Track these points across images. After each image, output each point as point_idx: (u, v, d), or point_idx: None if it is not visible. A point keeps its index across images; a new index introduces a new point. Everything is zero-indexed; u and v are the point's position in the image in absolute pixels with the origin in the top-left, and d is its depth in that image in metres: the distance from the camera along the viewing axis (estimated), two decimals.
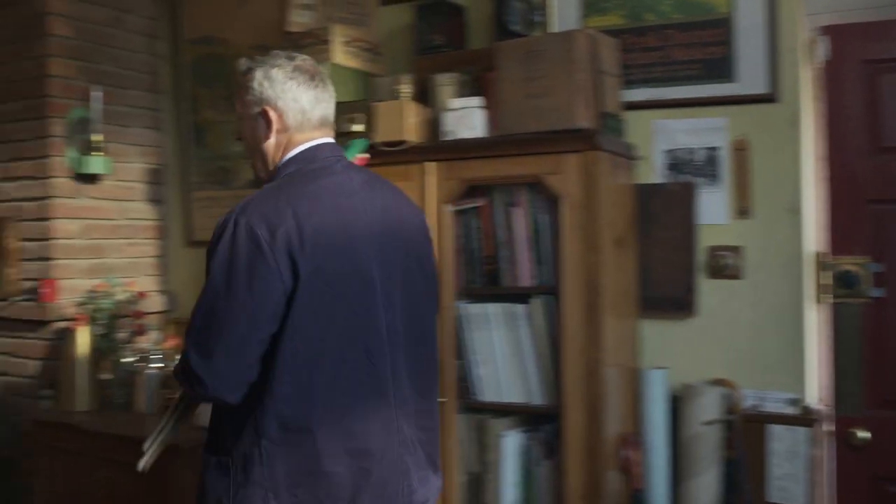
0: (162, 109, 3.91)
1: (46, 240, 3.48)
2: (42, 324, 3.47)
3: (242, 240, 1.74)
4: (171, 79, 3.90)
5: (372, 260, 1.85)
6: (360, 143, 2.65)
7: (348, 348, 1.79)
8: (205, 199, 3.79)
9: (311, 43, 2.96)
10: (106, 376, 3.39)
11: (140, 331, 3.46)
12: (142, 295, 3.53)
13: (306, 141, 1.95)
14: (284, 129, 1.93)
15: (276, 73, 1.93)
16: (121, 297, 3.45)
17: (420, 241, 2.03)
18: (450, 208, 2.68)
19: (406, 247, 1.96)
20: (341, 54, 2.95)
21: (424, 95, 2.87)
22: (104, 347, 3.37)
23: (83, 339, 3.29)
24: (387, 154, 2.73)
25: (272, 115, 1.92)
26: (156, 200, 3.86)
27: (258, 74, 1.94)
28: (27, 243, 3.54)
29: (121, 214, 3.72)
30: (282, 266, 1.72)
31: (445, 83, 2.84)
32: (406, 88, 2.79)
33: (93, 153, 3.49)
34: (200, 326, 1.77)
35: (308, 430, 1.75)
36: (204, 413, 2.04)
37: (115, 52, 3.72)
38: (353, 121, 2.82)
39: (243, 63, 2.00)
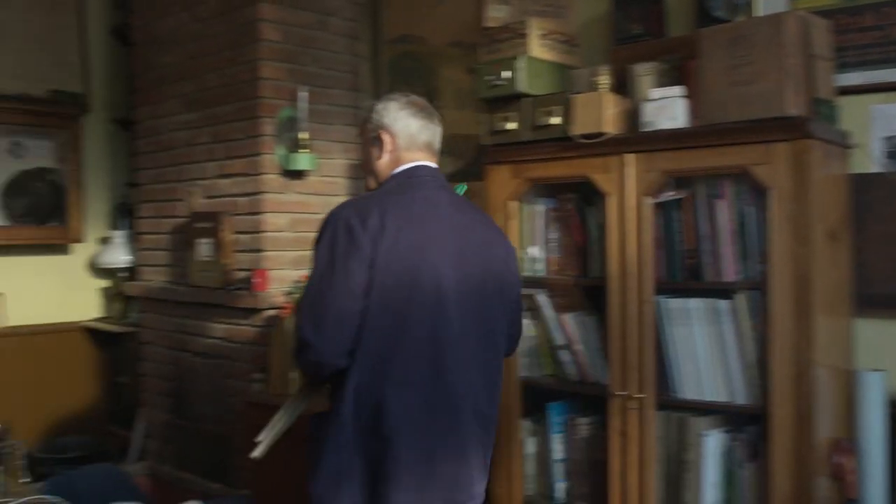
0: (362, 107, 4.05)
1: (258, 232, 3.70)
2: (254, 311, 3.70)
3: (340, 230, 2.08)
4: (371, 77, 4.03)
5: (445, 266, 2.15)
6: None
7: (416, 335, 2.09)
8: None
9: (507, 37, 2.97)
10: None
11: None
12: None
13: (411, 161, 2.29)
14: (395, 149, 2.29)
15: (392, 105, 2.32)
16: None
17: (502, 265, 2.31)
18: (650, 201, 2.62)
19: (484, 265, 2.24)
20: (538, 47, 2.95)
21: (623, 86, 2.82)
22: None
23: (290, 327, 3.47)
24: (585, 147, 2.71)
25: (386, 137, 2.28)
26: (356, 195, 4.01)
27: (378, 107, 2.33)
28: (241, 236, 3.78)
29: (324, 208, 3.85)
30: (368, 251, 2.05)
31: (645, 73, 2.78)
32: (604, 79, 2.75)
33: (300, 150, 3.68)
34: (311, 303, 2.08)
35: (378, 396, 2.07)
36: (320, 404, 2.25)
37: (320, 54, 3.89)
38: (549, 114, 2.82)
39: (367, 102, 2.38)
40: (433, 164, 2.34)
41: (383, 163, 2.30)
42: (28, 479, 3.14)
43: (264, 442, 2.33)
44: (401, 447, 2.07)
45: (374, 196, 2.22)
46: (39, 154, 4.60)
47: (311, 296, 2.09)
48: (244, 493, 2.47)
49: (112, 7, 4.87)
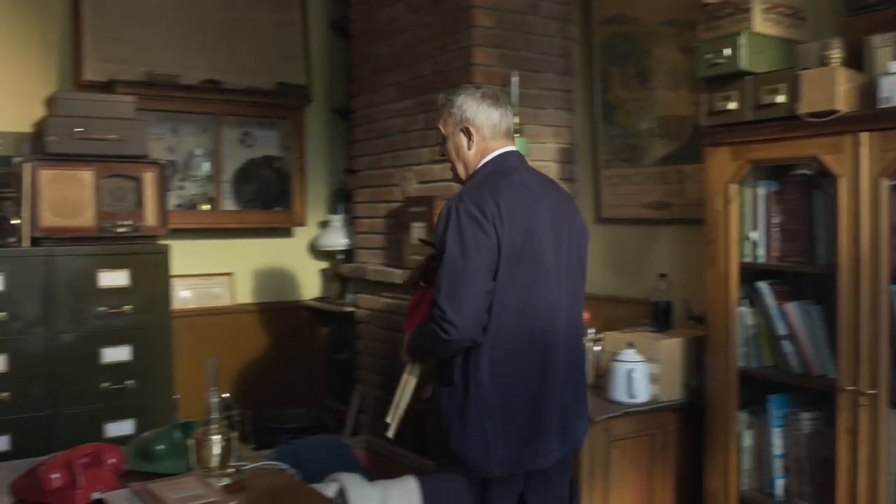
0: (573, 90, 4.03)
1: None
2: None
3: (465, 220, 2.35)
4: (582, 60, 4.00)
5: (548, 241, 2.46)
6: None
7: (534, 302, 2.42)
8: (613, 176, 3.85)
9: (728, 13, 2.85)
10: None
11: None
12: None
13: (497, 148, 2.57)
14: (481, 139, 2.55)
15: (470, 99, 2.56)
16: None
17: (580, 237, 2.61)
18: (887, 183, 2.44)
19: (569, 238, 2.54)
20: (761, 22, 2.81)
21: (856, 60, 2.64)
22: None
23: None
24: (813, 126, 2.56)
25: (472, 129, 2.54)
26: (568, 179, 3.99)
27: (457, 102, 2.57)
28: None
29: None
30: (491, 235, 2.34)
31: (882, 44, 2.59)
32: (836, 53, 2.59)
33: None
34: (449, 288, 2.34)
35: (511, 364, 2.40)
36: (428, 386, 2.57)
37: (531, 38, 3.90)
38: (774, 92, 2.68)
39: (441, 97, 2.62)
40: (515, 148, 2.61)
41: (472, 153, 2.57)
42: (252, 446, 3.35)
43: (393, 422, 2.61)
44: (534, 406, 2.43)
45: (480, 186, 2.45)
46: (266, 143, 4.89)
47: (450, 282, 2.35)
48: (454, 472, 2.53)
49: (332, 2, 5.09)
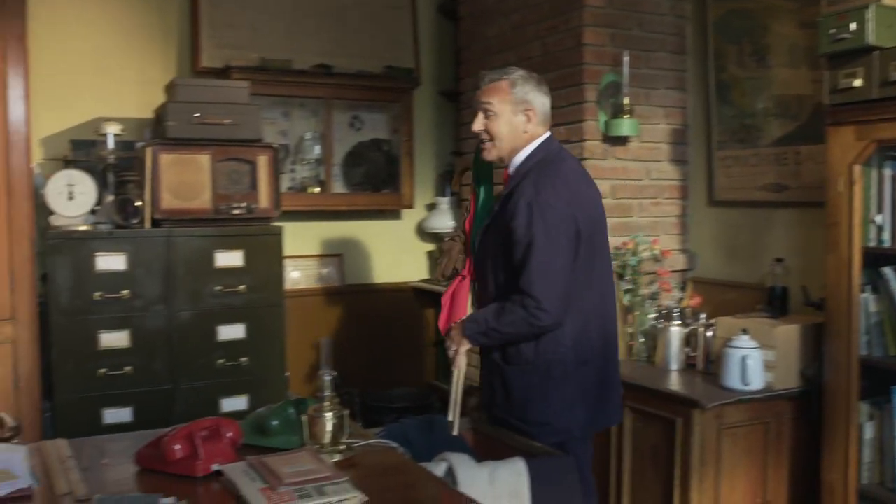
0: (686, 69, 3.93)
1: None
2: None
3: (549, 211, 2.46)
4: (696, 38, 3.89)
5: (602, 222, 2.69)
6: None
7: (599, 288, 2.62)
8: (727, 158, 3.74)
9: None
10: (630, 330, 3.54)
11: (664, 288, 3.54)
12: (665, 253, 3.60)
13: (542, 134, 2.66)
14: (535, 124, 2.64)
15: (530, 81, 2.64)
16: (645, 254, 3.56)
17: (605, 220, 2.73)
18: None
19: (604, 222, 2.71)
20: None
21: None
22: (630, 302, 3.52)
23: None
24: None
25: (531, 113, 2.62)
26: (679, 160, 3.91)
27: (518, 82, 2.62)
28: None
29: (646, 174, 3.83)
30: (571, 223, 2.48)
31: None
32: None
33: (622, 116, 3.64)
34: (541, 278, 2.44)
35: (587, 337, 2.58)
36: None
37: (643, 17, 3.82)
38: None
39: (495, 73, 2.66)
40: (551, 134, 2.71)
41: (526, 136, 2.64)
42: (359, 425, 3.41)
43: (455, 420, 2.65)
44: (602, 373, 2.64)
45: (545, 174, 2.55)
46: (375, 126, 4.94)
47: (542, 272, 2.45)
48: (562, 453, 2.52)
49: None
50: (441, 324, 2.82)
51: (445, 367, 4.97)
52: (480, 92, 2.68)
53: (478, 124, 2.67)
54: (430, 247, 5.15)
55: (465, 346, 2.69)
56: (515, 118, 2.62)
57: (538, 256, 2.45)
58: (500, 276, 2.63)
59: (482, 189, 2.87)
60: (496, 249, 2.64)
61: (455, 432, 2.65)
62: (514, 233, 2.50)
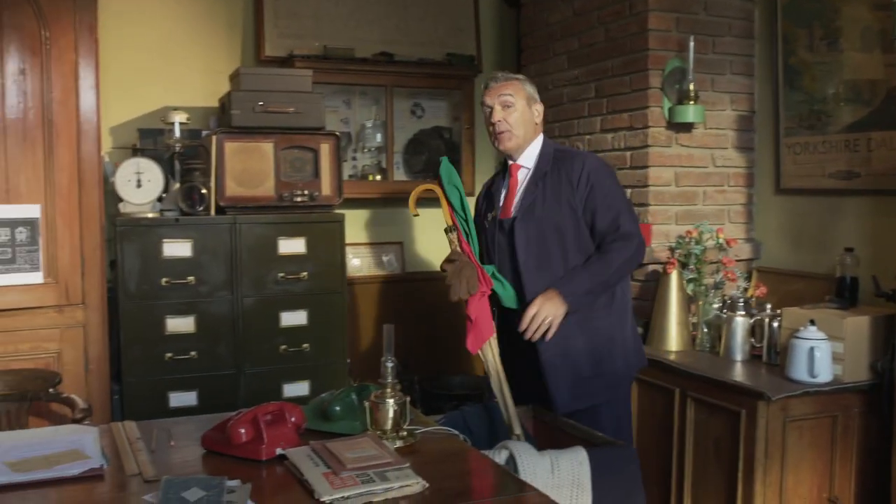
0: (753, 54, 3.84)
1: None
2: (638, 266, 3.69)
3: (607, 168, 2.91)
4: (763, 22, 3.81)
5: None
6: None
7: None
8: (795, 145, 3.65)
9: None
10: (693, 320, 3.49)
11: (728, 278, 3.48)
12: (730, 242, 3.54)
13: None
14: (541, 120, 2.96)
15: (534, 86, 2.98)
16: (709, 243, 3.51)
17: None
18: None
19: None
20: None
21: None
22: (693, 292, 3.47)
23: (674, 283, 3.42)
24: None
25: (539, 108, 2.95)
26: (745, 148, 3.83)
27: (528, 81, 2.95)
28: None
29: (711, 162, 3.77)
30: None
31: None
32: None
33: (687, 102, 3.58)
34: (633, 218, 2.85)
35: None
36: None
37: (709, 0, 3.74)
38: None
39: (505, 73, 2.97)
40: None
41: (536, 128, 2.95)
42: (419, 411, 3.42)
43: (515, 428, 2.61)
44: None
45: (575, 151, 3.05)
46: (436, 114, 4.94)
47: (631, 214, 2.86)
48: (622, 443, 2.50)
49: None
50: (471, 346, 2.76)
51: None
52: (496, 87, 2.90)
53: (498, 115, 2.87)
54: None
55: (562, 313, 2.72)
56: (529, 112, 2.90)
57: (623, 201, 2.86)
58: (571, 250, 2.82)
59: (459, 198, 2.83)
60: (555, 230, 2.80)
61: (516, 432, 2.63)
62: (593, 195, 2.81)
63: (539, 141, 2.94)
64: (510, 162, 2.95)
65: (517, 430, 2.61)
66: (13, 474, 1.90)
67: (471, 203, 2.90)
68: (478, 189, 4.94)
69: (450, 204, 2.81)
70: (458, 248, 2.79)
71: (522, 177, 2.93)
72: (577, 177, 2.82)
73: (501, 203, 2.94)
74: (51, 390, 3.13)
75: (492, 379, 2.71)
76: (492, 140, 2.95)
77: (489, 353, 2.72)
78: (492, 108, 2.89)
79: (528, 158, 2.93)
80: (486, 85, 2.94)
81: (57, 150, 3.30)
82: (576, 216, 2.81)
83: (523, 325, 2.71)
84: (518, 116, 2.87)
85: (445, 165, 2.85)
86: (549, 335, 2.72)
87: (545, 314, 2.69)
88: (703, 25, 3.70)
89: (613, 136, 3.88)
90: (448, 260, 2.80)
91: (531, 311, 2.70)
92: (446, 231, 2.80)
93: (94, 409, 3.19)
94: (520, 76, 2.96)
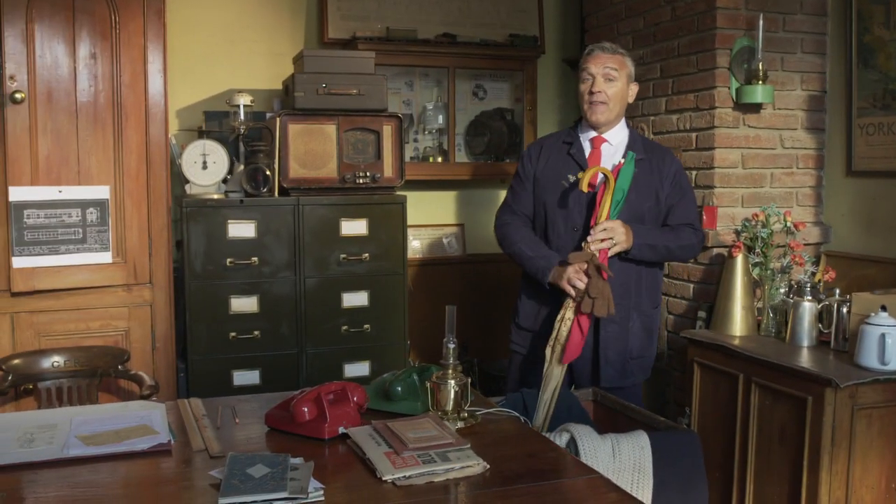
0: (825, 32, 3.74)
1: (708, 168, 3.62)
2: (702, 249, 3.64)
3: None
4: None
5: None
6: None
7: None
8: (868, 125, 3.55)
9: None
10: (759, 304, 3.43)
11: (796, 262, 3.40)
12: (798, 225, 3.46)
13: None
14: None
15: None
16: (777, 226, 3.43)
17: None
18: None
19: None
20: None
21: None
22: (759, 276, 3.40)
23: (739, 267, 3.36)
24: None
25: (634, 88, 3.03)
26: (815, 129, 3.74)
27: (630, 60, 2.98)
28: (690, 172, 3.72)
29: (779, 143, 3.69)
30: None
31: None
32: None
33: (755, 82, 3.50)
34: (700, 221, 3.22)
35: None
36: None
37: None
38: None
39: (615, 45, 2.96)
40: None
41: (625, 108, 3.01)
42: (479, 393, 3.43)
43: (545, 419, 2.63)
44: None
45: (656, 144, 3.19)
46: (498, 95, 4.91)
47: (697, 211, 3.15)
48: (685, 426, 2.47)
49: None
50: (567, 359, 2.83)
51: None
52: (602, 57, 2.94)
53: (599, 85, 2.92)
54: None
55: (626, 246, 2.88)
56: (627, 89, 2.97)
57: (696, 205, 3.11)
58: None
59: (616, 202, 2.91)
60: (638, 214, 2.98)
61: (537, 425, 2.63)
62: (677, 192, 3.05)
63: (623, 121, 3.04)
64: (593, 133, 3.01)
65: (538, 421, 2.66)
66: (86, 447, 1.96)
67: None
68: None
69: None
70: (595, 263, 2.79)
71: (608, 152, 2.97)
72: (668, 171, 3.03)
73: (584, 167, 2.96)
74: (120, 367, 3.21)
75: (548, 387, 2.70)
76: (583, 107, 2.97)
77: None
78: (594, 78, 2.93)
79: (613, 135, 3.02)
80: (591, 51, 2.97)
81: (126, 132, 3.36)
82: (659, 206, 3.03)
83: (596, 231, 2.83)
84: (617, 91, 2.94)
85: (629, 164, 2.86)
86: (605, 250, 2.85)
87: (614, 234, 2.84)
88: (773, 2, 3.61)
89: (679, 117, 3.82)
90: (585, 273, 2.82)
91: (608, 223, 2.84)
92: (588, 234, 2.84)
93: (160, 386, 3.27)
94: (625, 52, 3.00)
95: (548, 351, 2.83)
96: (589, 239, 2.83)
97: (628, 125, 3.09)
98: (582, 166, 2.96)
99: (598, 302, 2.76)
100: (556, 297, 2.94)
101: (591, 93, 2.93)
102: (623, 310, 2.97)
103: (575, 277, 2.82)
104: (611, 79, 2.94)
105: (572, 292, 2.84)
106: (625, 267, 2.98)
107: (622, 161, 2.89)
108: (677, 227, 3.07)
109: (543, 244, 3.05)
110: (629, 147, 2.99)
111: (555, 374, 2.77)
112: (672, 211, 3.06)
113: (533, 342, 3.12)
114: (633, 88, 3.02)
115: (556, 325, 2.84)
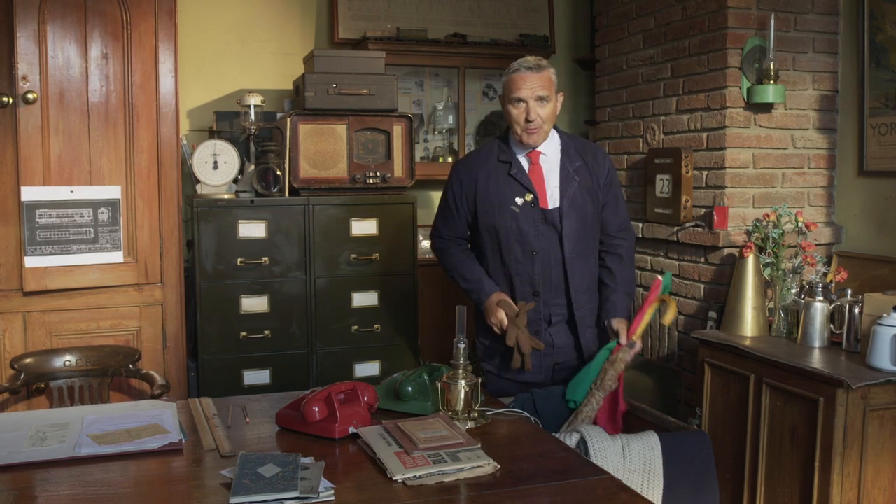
0: (838, 31, 3.72)
1: (720, 168, 3.60)
2: (711, 249, 3.63)
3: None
4: None
5: None
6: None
7: None
8: (881, 125, 3.53)
9: None
10: (770, 305, 3.41)
11: (807, 262, 3.39)
12: (809, 226, 3.45)
13: None
14: None
15: None
16: (788, 227, 3.42)
17: None
18: None
19: None
20: None
21: None
22: (770, 276, 3.39)
23: (750, 267, 3.35)
24: None
25: (561, 97, 2.89)
26: (827, 128, 3.72)
27: (553, 72, 2.83)
28: (700, 172, 3.71)
29: (790, 143, 3.67)
30: None
31: None
32: None
33: (767, 82, 3.49)
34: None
35: None
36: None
37: None
38: None
39: (536, 59, 2.81)
40: None
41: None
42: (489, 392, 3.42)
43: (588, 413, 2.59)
44: None
45: (583, 140, 3.05)
46: None
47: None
48: (696, 427, 2.47)
49: None
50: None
51: None
52: (531, 78, 2.77)
53: (534, 111, 2.78)
54: None
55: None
56: (557, 101, 2.85)
57: (623, 199, 3.03)
58: (596, 239, 2.97)
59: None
60: (590, 221, 2.92)
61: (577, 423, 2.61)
62: (612, 191, 2.96)
63: (553, 128, 2.94)
64: (527, 149, 2.88)
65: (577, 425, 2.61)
66: (97, 446, 1.96)
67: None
68: None
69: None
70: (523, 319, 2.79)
71: (546, 164, 2.90)
72: (602, 171, 2.93)
73: (533, 191, 2.87)
74: (131, 366, 3.22)
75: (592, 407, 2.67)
76: (515, 129, 2.84)
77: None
78: (526, 103, 2.78)
79: (547, 146, 2.90)
80: (517, 71, 2.79)
81: (137, 132, 3.38)
82: (596, 207, 2.93)
83: (631, 353, 2.75)
84: (550, 110, 2.82)
85: (667, 278, 2.85)
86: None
87: (630, 346, 2.76)
88: (784, 2, 3.60)
89: (689, 116, 3.80)
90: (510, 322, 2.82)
91: (636, 339, 2.77)
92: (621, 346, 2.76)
93: (171, 386, 3.28)
94: (548, 64, 2.83)
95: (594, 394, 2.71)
96: (621, 355, 2.71)
97: (555, 128, 2.94)
98: (526, 187, 2.86)
99: (525, 358, 2.75)
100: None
101: (527, 120, 2.79)
102: (587, 294, 2.95)
103: (495, 324, 2.85)
104: (543, 99, 2.79)
105: (496, 330, 2.86)
106: (587, 270, 2.95)
107: (659, 278, 2.83)
108: (618, 246, 2.99)
109: (477, 267, 2.98)
110: (563, 152, 2.90)
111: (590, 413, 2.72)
112: (607, 220, 2.97)
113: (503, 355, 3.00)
114: (561, 97, 2.88)
115: (605, 367, 2.71)
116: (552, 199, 2.87)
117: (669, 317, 2.78)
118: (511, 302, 2.83)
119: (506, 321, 2.80)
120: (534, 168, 2.88)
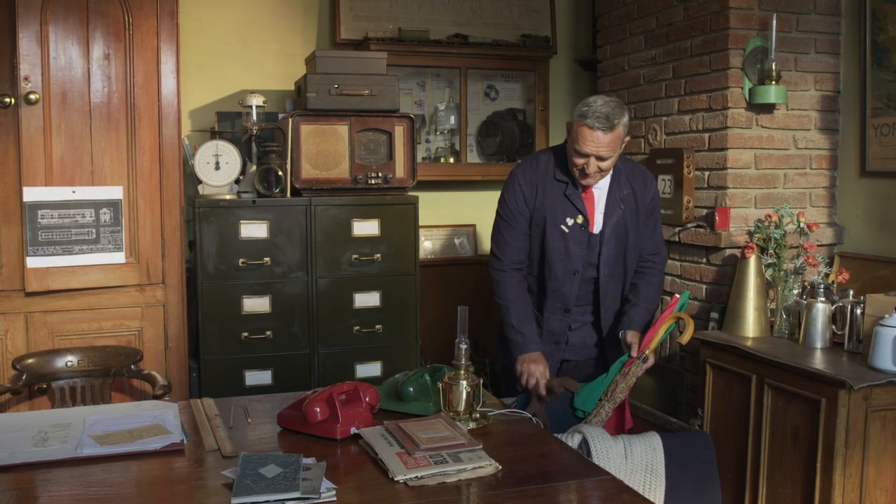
0: (839, 32, 3.72)
1: (721, 169, 3.60)
2: (713, 250, 3.63)
3: None
4: None
5: None
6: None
7: None
8: (882, 126, 3.53)
9: None
10: (772, 306, 3.41)
11: (809, 263, 3.38)
12: (811, 226, 3.45)
13: None
14: None
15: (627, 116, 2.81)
16: (790, 227, 3.42)
17: None
18: None
19: None
20: None
21: None
22: (772, 277, 3.39)
23: (752, 268, 3.35)
24: None
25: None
26: (829, 129, 3.72)
27: (626, 125, 2.77)
28: (702, 172, 3.71)
29: (792, 144, 3.67)
30: None
31: None
32: None
33: (769, 82, 3.49)
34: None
35: None
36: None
37: None
38: None
39: (610, 122, 2.69)
40: None
41: None
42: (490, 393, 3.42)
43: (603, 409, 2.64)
44: None
45: (632, 164, 3.06)
46: (509, 96, 4.91)
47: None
48: (698, 428, 2.47)
49: None
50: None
51: None
52: (599, 138, 2.71)
53: (592, 167, 2.77)
54: None
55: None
56: (620, 150, 2.82)
57: (660, 223, 3.09)
58: (633, 260, 3.02)
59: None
60: (629, 247, 2.98)
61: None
62: (654, 216, 3.02)
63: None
64: None
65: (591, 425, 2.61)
66: (99, 447, 1.97)
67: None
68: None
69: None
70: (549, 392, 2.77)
71: (597, 190, 2.95)
72: (647, 199, 2.98)
73: (584, 214, 2.93)
74: (132, 366, 3.22)
75: (601, 418, 2.68)
76: (572, 170, 2.84)
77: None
78: (587, 158, 2.75)
79: (610, 175, 2.94)
80: (590, 123, 2.70)
81: (139, 133, 3.38)
82: (637, 233, 2.99)
83: (635, 351, 2.80)
84: (610, 163, 2.81)
85: (684, 296, 2.88)
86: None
87: (643, 358, 2.79)
88: (786, 2, 3.59)
89: (691, 117, 3.80)
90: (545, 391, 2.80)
91: (649, 353, 2.80)
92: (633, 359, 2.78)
93: (172, 386, 3.28)
94: (621, 114, 2.74)
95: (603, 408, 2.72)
96: (633, 369, 2.75)
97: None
98: (579, 209, 2.91)
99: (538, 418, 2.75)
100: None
101: (584, 173, 2.80)
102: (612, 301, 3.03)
103: (531, 382, 2.81)
104: (604, 158, 2.77)
105: (523, 384, 2.84)
106: (618, 288, 3.02)
107: (677, 296, 2.83)
108: (651, 270, 3.05)
109: (531, 318, 2.97)
110: (614, 178, 2.92)
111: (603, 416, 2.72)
112: (643, 242, 3.03)
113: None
114: (626, 141, 2.84)
115: (616, 379, 2.74)
116: (597, 223, 2.94)
117: (687, 336, 2.78)
118: (547, 365, 2.84)
119: (532, 383, 2.80)
120: (587, 193, 2.94)
